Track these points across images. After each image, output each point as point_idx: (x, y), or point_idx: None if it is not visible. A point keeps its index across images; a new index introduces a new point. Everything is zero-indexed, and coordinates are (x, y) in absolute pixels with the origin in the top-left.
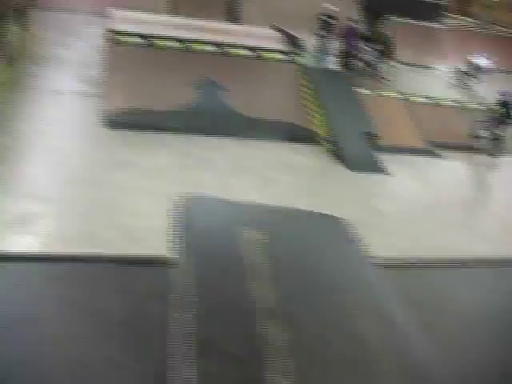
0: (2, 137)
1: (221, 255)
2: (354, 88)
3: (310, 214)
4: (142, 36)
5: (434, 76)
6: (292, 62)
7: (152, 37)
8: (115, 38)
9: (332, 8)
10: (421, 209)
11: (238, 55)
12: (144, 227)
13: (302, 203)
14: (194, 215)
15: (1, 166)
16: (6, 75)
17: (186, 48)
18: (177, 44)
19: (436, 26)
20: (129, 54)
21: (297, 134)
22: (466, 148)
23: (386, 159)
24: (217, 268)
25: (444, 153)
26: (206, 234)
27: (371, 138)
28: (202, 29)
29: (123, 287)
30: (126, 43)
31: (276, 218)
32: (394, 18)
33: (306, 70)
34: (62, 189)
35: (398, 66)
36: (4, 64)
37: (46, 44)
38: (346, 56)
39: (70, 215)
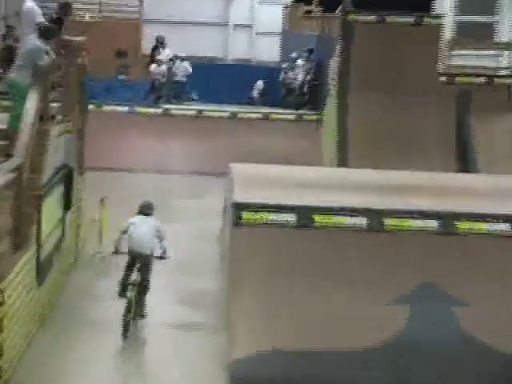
0: None
1: None
2: None
3: None
4: (288, 209)
5: None
6: None
7: (310, 209)
8: (242, 217)
9: None
10: None
11: (479, 234)
12: None
13: None
14: None
15: None
16: (45, 298)
17: (374, 227)
18: (358, 220)
19: None
20: (266, 244)
21: None
22: None
23: None
24: None
25: None
26: None
27: None
28: (400, 188)
29: None
30: (260, 224)
31: None
32: None
33: None
34: None
35: None
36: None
37: (117, 228)
38: None
39: None
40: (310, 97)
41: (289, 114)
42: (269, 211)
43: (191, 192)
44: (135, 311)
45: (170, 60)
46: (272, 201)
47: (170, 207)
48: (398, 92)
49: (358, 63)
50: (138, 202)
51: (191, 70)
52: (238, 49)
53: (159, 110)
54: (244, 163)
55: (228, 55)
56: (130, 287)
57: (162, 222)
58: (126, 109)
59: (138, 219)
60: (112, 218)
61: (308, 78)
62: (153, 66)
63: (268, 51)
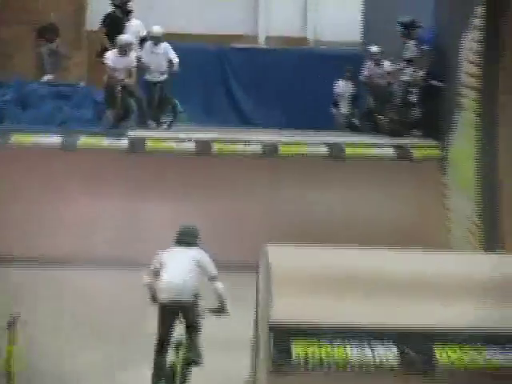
0: None
1: None
2: None
3: None
4: (385, 336)
5: None
6: None
7: (427, 338)
8: (290, 353)
9: None
10: None
11: None
12: None
13: None
14: None
15: None
16: None
17: None
18: None
19: None
20: None
21: None
22: None
23: None
24: None
25: None
26: None
27: None
28: None
29: None
30: (328, 365)
31: None
32: None
33: None
34: None
35: None
36: None
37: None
38: None
39: None
40: (424, 113)
41: (381, 147)
42: (345, 340)
43: None
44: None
45: (142, 40)
46: (350, 320)
47: (151, 339)
48: None
49: None
50: (83, 324)
51: (177, 60)
52: (278, 22)
53: (123, 143)
54: (291, 244)
55: (260, 33)
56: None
57: (133, 365)
58: (57, 140)
59: (174, 251)
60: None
61: (420, 75)
62: (110, 55)
63: (338, 26)
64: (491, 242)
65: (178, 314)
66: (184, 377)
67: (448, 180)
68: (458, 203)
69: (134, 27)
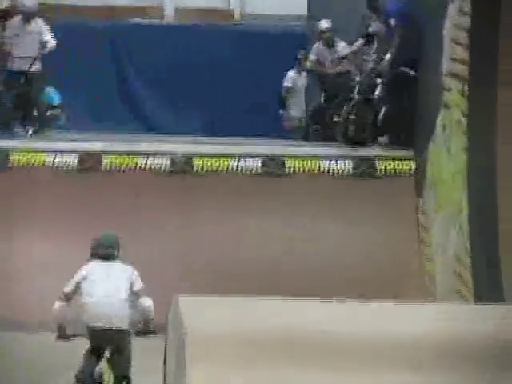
0: None
1: None
2: None
3: None
4: None
5: None
6: None
7: None
8: None
9: None
10: None
11: None
12: None
13: None
14: None
15: None
16: None
17: None
18: None
19: None
20: None
21: None
22: None
23: None
24: None
25: None
26: None
27: None
28: None
29: None
30: None
31: None
32: None
33: None
34: None
35: None
36: None
37: None
38: None
39: None
40: (392, 112)
41: (335, 159)
42: None
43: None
44: None
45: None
46: None
47: None
48: None
49: None
50: None
51: (54, 42)
52: None
53: None
54: (211, 296)
55: (168, 3)
56: None
57: None
58: None
59: (96, 267)
60: None
61: (386, 59)
62: None
63: None
64: (486, 289)
65: (108, 345)
66: None
67: (426, 204)
68: (440, 236)
69: None
